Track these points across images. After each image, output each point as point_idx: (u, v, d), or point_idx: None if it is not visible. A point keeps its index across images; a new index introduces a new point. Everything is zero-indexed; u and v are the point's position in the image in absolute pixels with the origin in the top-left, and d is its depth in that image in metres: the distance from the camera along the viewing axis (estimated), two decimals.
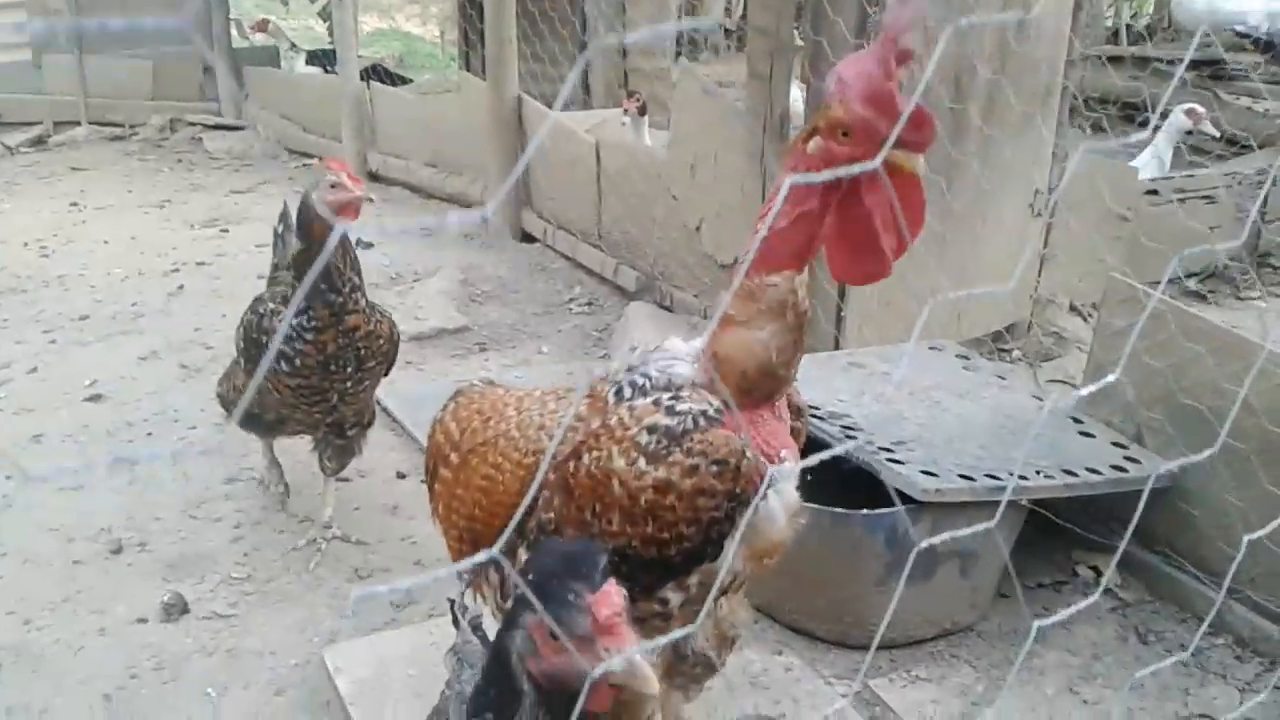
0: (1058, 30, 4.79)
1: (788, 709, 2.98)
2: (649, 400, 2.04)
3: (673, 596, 2.08)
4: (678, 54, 9.51)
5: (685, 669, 2.37)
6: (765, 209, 1.95)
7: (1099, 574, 3.52)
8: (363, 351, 3.41)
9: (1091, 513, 3.51)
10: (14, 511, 3.92)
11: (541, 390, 2.41)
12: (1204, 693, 3.07)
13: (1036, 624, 1.27)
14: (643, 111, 6.74)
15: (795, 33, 4.81)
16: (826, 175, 1.62)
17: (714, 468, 1.94)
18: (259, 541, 3.78)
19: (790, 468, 2.08)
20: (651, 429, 1.99)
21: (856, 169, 1.69)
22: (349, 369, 3.40)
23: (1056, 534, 3.54)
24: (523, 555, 2.16)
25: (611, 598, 1.28)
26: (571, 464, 2.07)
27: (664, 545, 1.98)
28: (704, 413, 1.99)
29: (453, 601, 2.38)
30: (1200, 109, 6.50)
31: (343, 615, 3.37)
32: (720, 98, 5.25)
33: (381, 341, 3.48)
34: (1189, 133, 6.68)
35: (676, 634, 1.28)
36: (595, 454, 2.02)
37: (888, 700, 3.03)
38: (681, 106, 5.59)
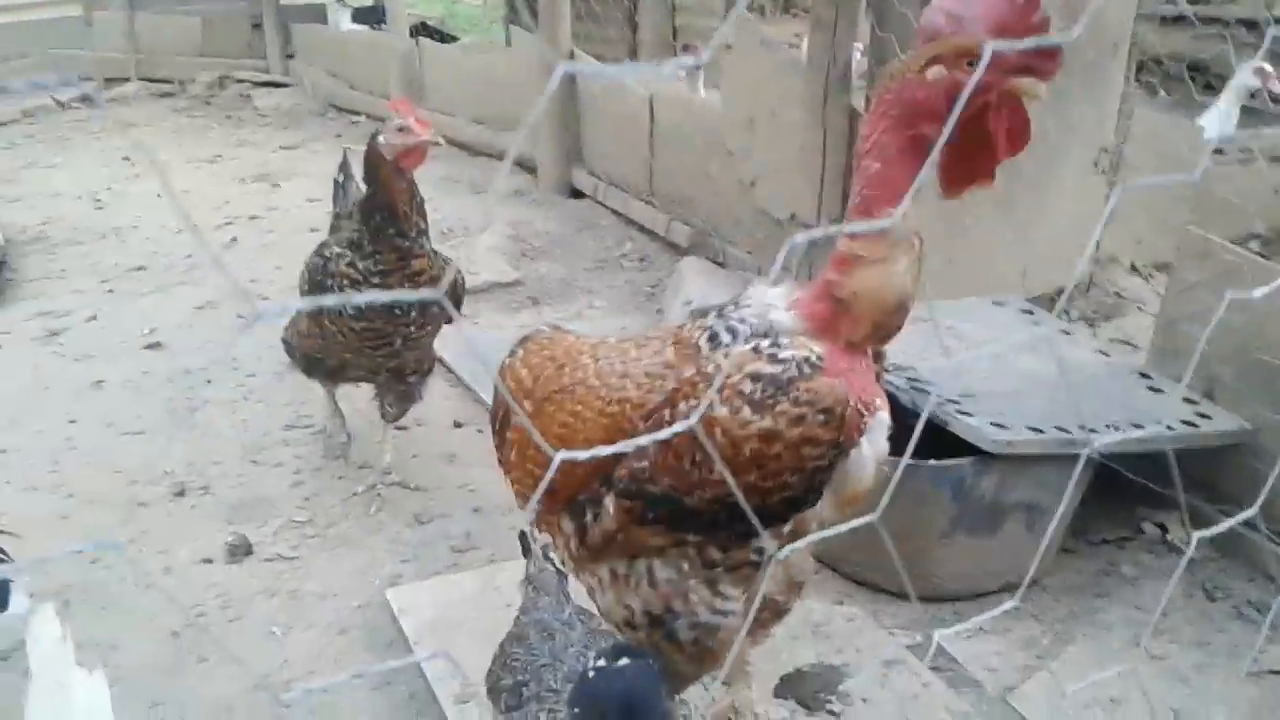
0: None
1: (850, 659, 2.97)
2: (748, 347, 2.01)
3: (770, 545, 2.07)
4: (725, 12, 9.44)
5: (758, 614, 2.37)
6: (868, 145, 1.93)
7: (1165, 530, 3.48)
8: None
9: (1158, 469, 3.46)
10: (78, 454, 3.97)
11: (615, 337, 2.37)
12: (1273, 650, 3.02)
13: (1196, 535, 1.23)
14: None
15: None
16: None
17: (820, 417, 1.91)
18: (319, 487, 3.80)
19: (883, 415, 2.07)
20: (755, 377, 1.96)
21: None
22: (412, 313, 3.40)
23: (1120, 490, 3.49)
24: (609, 504, 2.14)
25: None
26: (667, 412, 2.04)
27: (766, 494, 1.96)
28: (807, 359, 1.95)
29: (523, 532, 2.38)
30: (1269, 67, 6.33)
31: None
32: (780, 50, 5.18)
33: (444, 288, 3.48)
34: (1253, 94, 6.53)
35: (832, 529, 1.24)
36: (694, 402, 2.00)
37: (952, 652, 3.01)
38: (738, 60, 5.52)
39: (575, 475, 2.21)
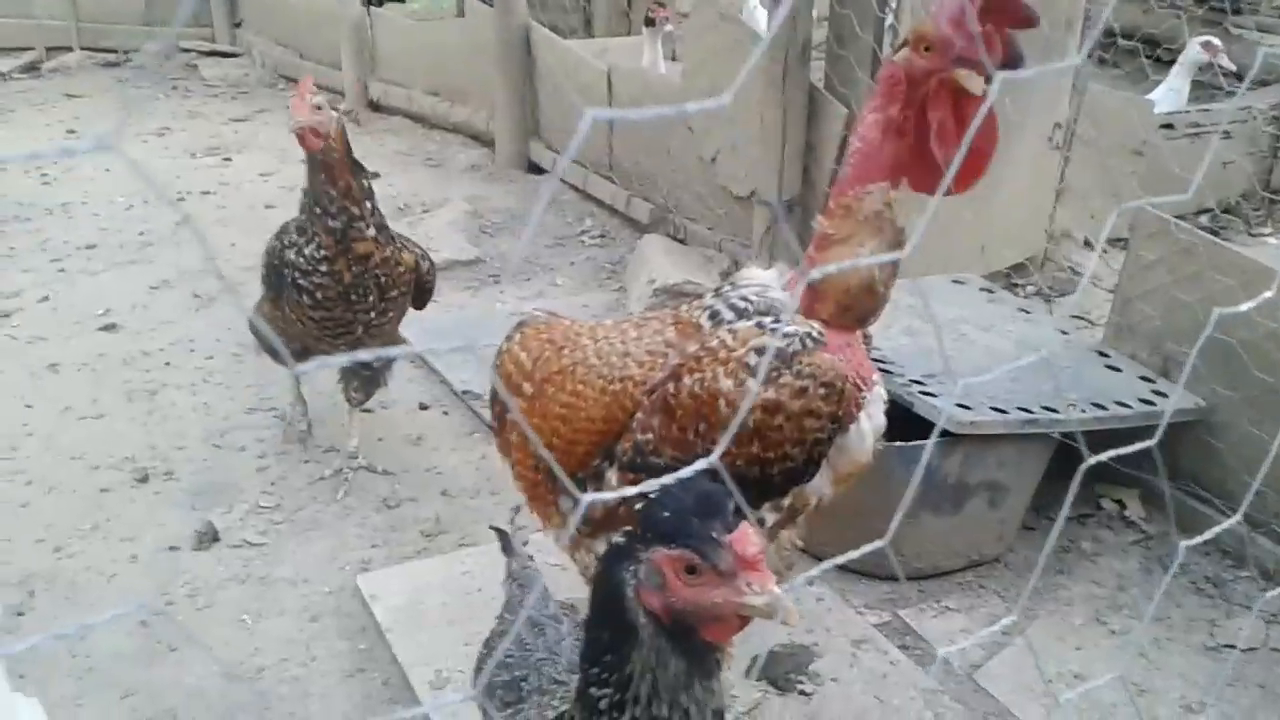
0: None
1: (820, 638, 3.02)
2: (751, 323, 2.07)
3: (769, 517, 2.13)
4: None
5: None
6: (860, 126, 2.03)
7: (1123, 507, 3.55)
8: (383, 280, 3.37)
9: (1115, 446, 3.53)
10: (36, 439, 3.91)
11: (613, 320, 2.42)
12: (1230, 624, 3.11)
13: (1182, 543, 1.27)
14: (650, 23, 6.84)
15: None
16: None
17: (821, 390, 1.98)
18: (284, 471, 3.78)
19: (880, 390, 2.14)
20: (760, 350, 2.02)
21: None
22: (370, 299, 3.37)
23: (1079, 466, 3.55)
24: (611, 478, 2.19)
25: (751, 536, 1.28)
26: (671, 385, 2.10)
27: (768, 465, 2.03)
28: (810, 334, 2.03)
29: (502, 530, 2.39)
30: (1217, 42, 6.42)
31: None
32: (739, 23, 5.17)
33: (402, 270, 3.43)
34: (1202, 67, 6.61)
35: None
36: (698, 375, 2.05)
37: (918, 630, 3.07)
38: (697, 34, 5.50)
39: (576, 453, 2.26)
